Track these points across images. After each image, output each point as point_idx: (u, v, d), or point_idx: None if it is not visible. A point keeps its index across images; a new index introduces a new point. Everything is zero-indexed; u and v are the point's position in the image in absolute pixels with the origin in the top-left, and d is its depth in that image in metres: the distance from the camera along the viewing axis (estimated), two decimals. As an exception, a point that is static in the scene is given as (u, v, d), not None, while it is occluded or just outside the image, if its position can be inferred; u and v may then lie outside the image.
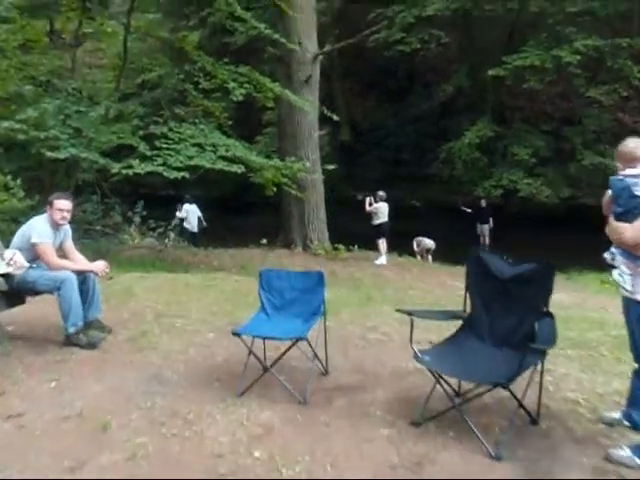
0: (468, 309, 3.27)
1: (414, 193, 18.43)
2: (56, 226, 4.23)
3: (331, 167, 12.13)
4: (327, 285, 3.67)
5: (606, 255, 2.79)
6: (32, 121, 8.17)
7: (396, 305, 6.02)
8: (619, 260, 2.72)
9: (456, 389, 3.20)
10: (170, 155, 8.38)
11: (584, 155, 17.14)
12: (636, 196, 2.57)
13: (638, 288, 2.64)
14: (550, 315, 2.89)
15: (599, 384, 3.46)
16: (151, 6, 18.81)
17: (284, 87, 10.66)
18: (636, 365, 2.74)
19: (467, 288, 3.25)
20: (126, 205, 12.90)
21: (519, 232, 15.78)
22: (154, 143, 8.68)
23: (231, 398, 3.27)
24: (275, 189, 10.53)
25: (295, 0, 11.82)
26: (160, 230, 12.26)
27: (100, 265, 4.28)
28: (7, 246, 4.20)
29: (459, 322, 3.28)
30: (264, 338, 3.47)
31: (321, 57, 12.90)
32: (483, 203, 16.54)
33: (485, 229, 16.33)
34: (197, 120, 9.87)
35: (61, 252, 4.36)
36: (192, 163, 8.43)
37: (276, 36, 10.61)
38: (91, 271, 4.25)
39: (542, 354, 2.78)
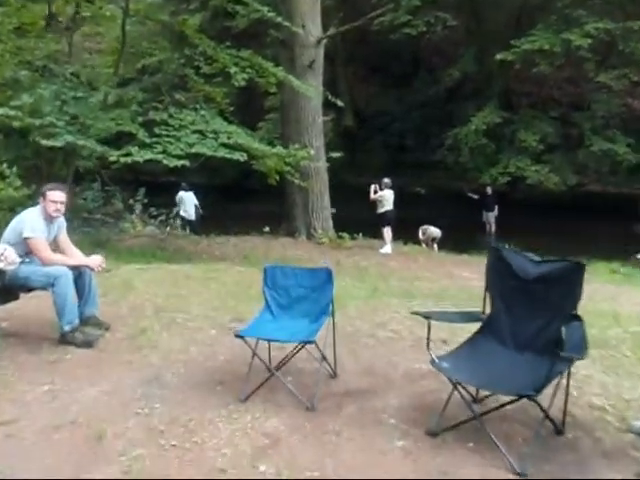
0: (486, 310, 3.06)
1: (419, 180, 18.11)
2: (50, 219, 4.01)
3: (336, 155, 11.86)
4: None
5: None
6: (27, 107, 7.91)
7: (403, 297, 5.89)
8: None
9: (474, 394, 3.00)
10: (170, 142, 8.10)
11: (592, 141, 16.86)
12: None
13: None
14: (579, 319, 2.68)
15: (625, 389, 3.26)
16: (151, -12, 18.36)
17: (287, 72, 10.34)
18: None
19: (487, 287, 3.04)
20: (127, 193, 12.73)
21: (524, 219, 15.57)
22: (154, 130, 8.42)
23: (234, 403, 3.07)
24: (278, 178, 10.28)
25: (298, -18, 11.51)
26: (162, 218, 12.07)
27: (96, 260, 4.06)
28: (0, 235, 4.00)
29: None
30: (269, 341, 3.27)
31: (325, 41, 12.56)
32: (489, 190, 16.29)
33: (491, 217, 16.12)
34: (198, 106, 9.56)
35: (55, 246, 4.14)
36: (193, 151, 8.17)
37: (279, 19, 10.24)
38: (87, 266, 4.03)
39: (570, 361, 2.57)
